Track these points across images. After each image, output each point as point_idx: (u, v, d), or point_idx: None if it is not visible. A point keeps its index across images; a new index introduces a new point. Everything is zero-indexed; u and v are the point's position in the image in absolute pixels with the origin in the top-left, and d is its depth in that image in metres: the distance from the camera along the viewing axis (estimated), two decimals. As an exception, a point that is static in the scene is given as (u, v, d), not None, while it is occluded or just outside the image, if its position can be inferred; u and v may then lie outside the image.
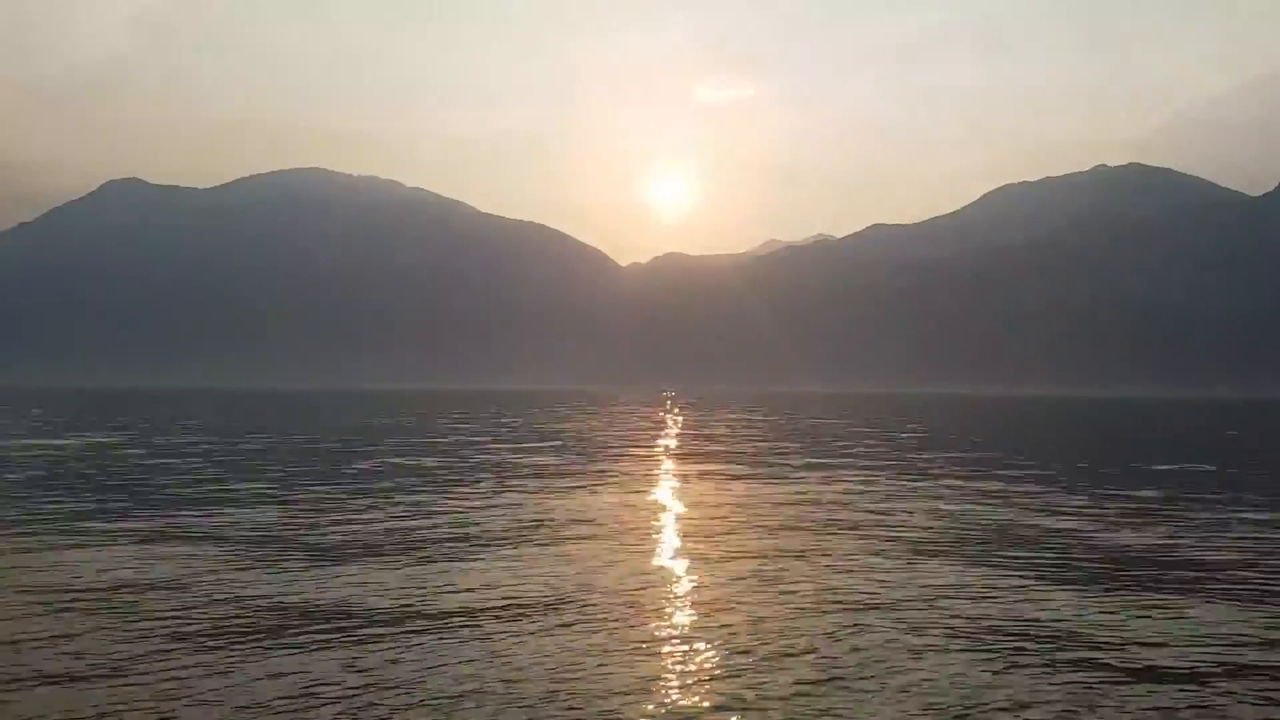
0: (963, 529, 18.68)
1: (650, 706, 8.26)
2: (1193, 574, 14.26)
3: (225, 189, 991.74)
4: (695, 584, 13.23)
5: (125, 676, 8.92)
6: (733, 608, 11.66)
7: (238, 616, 11.15)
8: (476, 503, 22.09)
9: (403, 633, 10.49)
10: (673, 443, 46.72)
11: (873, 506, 21.99)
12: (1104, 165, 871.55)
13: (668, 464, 33.68)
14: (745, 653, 9.81)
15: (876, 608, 11.76)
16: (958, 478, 28.95)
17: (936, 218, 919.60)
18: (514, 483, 26.35)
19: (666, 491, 25.00)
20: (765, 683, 8.82)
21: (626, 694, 8.52)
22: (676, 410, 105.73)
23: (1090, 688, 8.94)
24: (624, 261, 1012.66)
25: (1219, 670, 9.57)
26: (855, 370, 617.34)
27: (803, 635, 10.40)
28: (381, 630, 10.52)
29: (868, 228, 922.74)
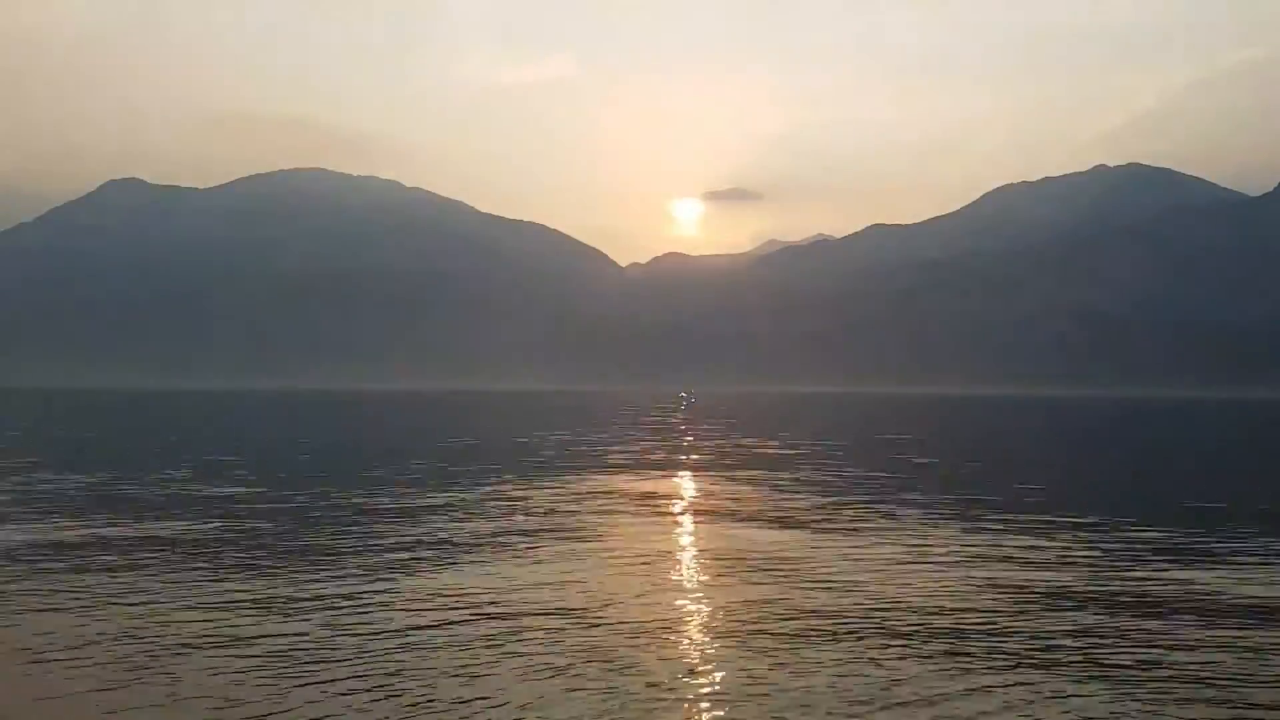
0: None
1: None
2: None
3: (225, 189, 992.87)
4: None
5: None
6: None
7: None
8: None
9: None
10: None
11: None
12: (1104, 165, 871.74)
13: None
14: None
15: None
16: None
17: (936, 218, 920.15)
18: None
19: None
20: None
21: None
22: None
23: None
24: (624, 261, 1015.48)
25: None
26: (855, 371, 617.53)
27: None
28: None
29: (868, 228, 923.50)
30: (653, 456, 38.88)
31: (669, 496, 24.96)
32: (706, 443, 48.22)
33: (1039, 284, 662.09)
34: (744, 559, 15.64)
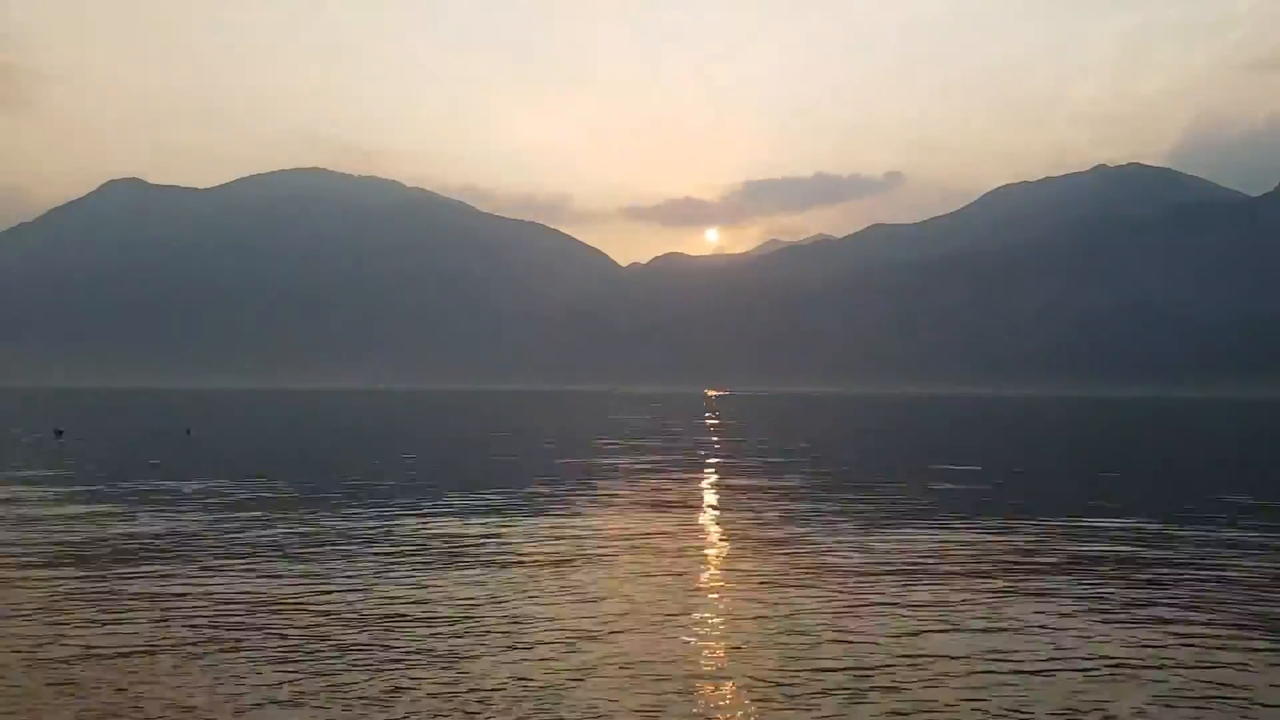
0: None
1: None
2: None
3: (225, 189, 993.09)
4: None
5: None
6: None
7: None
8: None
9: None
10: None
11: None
12: (1104, 165, 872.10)
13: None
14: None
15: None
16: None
17: (936, 218, 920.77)
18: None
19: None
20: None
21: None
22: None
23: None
24: (624, 261, 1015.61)
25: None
26: (855, 371, 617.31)
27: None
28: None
29: (868, 228, 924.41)
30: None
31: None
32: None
33: (1039, 284, 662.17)
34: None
